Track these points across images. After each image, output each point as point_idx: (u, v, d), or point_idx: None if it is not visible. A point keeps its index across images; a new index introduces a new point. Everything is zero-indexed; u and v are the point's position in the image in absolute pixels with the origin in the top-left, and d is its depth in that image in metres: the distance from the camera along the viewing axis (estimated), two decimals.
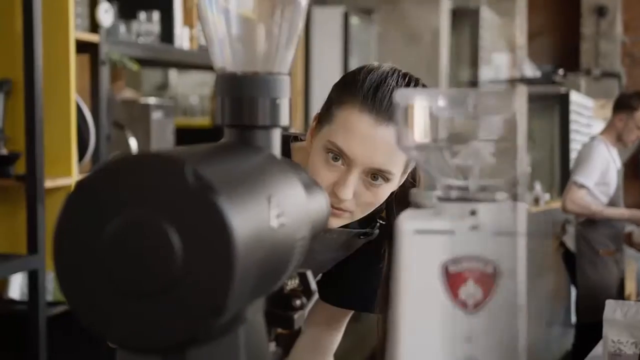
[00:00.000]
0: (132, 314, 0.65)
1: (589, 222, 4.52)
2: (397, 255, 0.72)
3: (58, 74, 2.68)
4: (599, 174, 4.40)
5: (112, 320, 0.65)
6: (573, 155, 7.10)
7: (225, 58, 0.88)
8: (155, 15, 3.28)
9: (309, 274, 0.87)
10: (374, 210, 1.33)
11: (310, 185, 0.92)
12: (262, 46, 0.89)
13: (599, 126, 8.45)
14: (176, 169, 0.66)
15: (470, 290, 0.71)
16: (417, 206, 0.84)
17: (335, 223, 1.31)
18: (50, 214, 2.60)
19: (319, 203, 0.93)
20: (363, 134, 1.24)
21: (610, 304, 2.02)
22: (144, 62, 3.53)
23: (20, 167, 2.61)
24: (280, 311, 0.84)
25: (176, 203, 0.65)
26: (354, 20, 5.48)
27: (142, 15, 3.29)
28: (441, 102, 0.75)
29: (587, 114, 7.67)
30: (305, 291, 0.87)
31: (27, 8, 2.54)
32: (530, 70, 5.81)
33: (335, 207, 1.27)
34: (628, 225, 4.80)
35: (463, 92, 0.76)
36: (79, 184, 0.68)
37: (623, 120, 4.47)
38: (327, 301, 1.47)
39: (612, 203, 4.50)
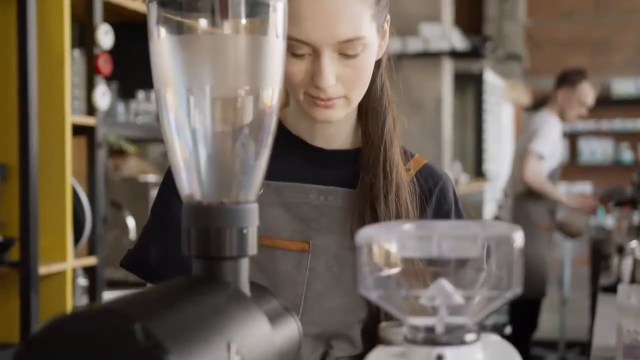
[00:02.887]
0: None
1: (529, 194, 4.52)
2: None
3: (54, 158, 2.68)
4: (551, 147, 4.44)
5: None
6: (487, 135, 7.18)
7: (191, 187, 0.87)
8: (154, 94, 3.30)
9: None
10: None
11: (279, 314, 0.90)
12: (227, 176, 0.87)
13: (507, 107, 8.58)
14: (126, 326, 0.63)
15: None
16: (387, 342, 0.81)
17: (335, 115, 1.20)
18: (44, 301, 2.58)
19: (288, 332, 0.90)
20: (311, 13, 1.12)
21: (623, 288, 1.82)
22: (143, 140, 3.54)
23: (14, 253, 2.59)
24: None
25: None
26: None
27: (141, 94, 3.31)
28: (404, 243, 0.73)
29: (499, 94, 7.79)
30: None
31: (23, 91, 2.55)
32: (459, 41, 5.81)
33: (324, 98, 1.17)
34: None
35: (428, 232, 0.74)
36: (29, 340, 0.65)
37: (565, 96, 4.54)
38: None
39: (550, 179, 4.54)
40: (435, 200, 1.32)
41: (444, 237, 0.74)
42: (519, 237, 0.73)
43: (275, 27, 0.86)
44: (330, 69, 1.14)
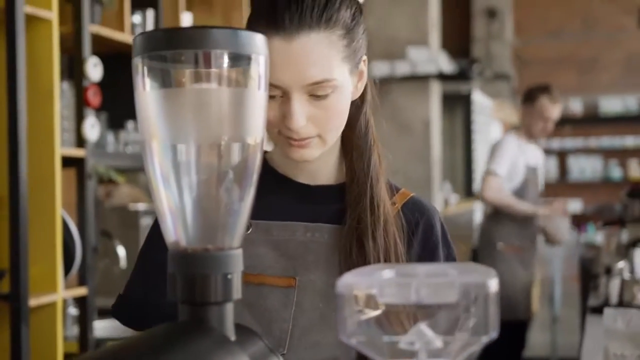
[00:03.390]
0: None
1: (494, 215, 4.54)
2: None
3: (44, 189, 2.70)
4: (509, 165, 4.47)
5: None
6: (476, 155, 7.25)
7: (177, 234, 0.89)
8: None
9: None
10: None
11: (264, 355, 0.92)
12: (212, 222, 0.89)
13: (497, 126, 8.68)
14: None
15: None
16: None
17: (309, 154, 1.22)
18: (35, 332, 2.58)
19: None
20: (280, 57, 1.14)
21: (609, 312, 1.82)
22: (133, 169, 3.56)
23: (4, 286, 2.60)
24: None
25: None
26: None
27: (130, 124, 3.33)
28: (384, 289, 0.76)
29: (487, 114, 7.84)
30: None
31: (13, 123, 2.57)
32: (446, 65, 5.87)
33: (297, 138, 1.19)
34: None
35: (407, 279, 0.76)
36: None
37: (528, 112, 4.59)
38: None
39: (521, 197, 4.56)
40: (421, 233, 1.33)
41: (422, 284, 0.76)
42: (493, 284, 0.75)
43: (258, 79, 0.88)
44: (300, 111, 1.17)
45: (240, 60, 0.87)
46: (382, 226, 1.27)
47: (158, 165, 0.88)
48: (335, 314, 1.25)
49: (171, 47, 0.86)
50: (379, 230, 1.27)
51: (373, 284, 0.76)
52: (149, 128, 0.87)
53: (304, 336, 1.25)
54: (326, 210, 1.31)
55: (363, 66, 1.27)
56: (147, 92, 0.87)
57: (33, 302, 2.61)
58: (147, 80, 0.87)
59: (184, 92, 0.88)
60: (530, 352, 6.20)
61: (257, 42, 0.88)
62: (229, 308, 0.87)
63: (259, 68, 0.89)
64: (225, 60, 0.87)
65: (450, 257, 1.34)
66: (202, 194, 0.89)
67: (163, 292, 1.08)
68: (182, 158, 0.88)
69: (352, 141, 1.31)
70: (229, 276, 0.86)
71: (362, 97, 1.31)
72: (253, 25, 1.18)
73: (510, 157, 4.50)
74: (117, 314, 1.33)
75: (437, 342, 0.77)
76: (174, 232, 0.89)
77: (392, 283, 0.77)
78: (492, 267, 0.79)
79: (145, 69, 0.87)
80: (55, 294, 2.70)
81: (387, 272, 0.79)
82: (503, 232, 4.55)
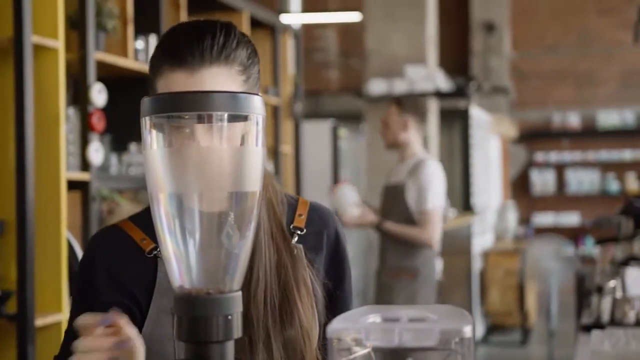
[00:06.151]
0: None
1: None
2: None
3: (50, 213, 2.77)
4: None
5: None
6: (473, 169, 7.31)
7: (181, 278, 0.97)
8: None
9: None
10: None
11: None
12: (214, 267, 0.97)
13: (495, 141, 8.75)
14: None
15: None
16: None
17: None
18: (41, 352, 2.66)
19: None
20: (181, 88, 1.21)
21: (597, 334, 1.86)
22: (136, 189, 3.64)
23: (11, 306, 2.68)
24: None
25: None
26: (342, 132, 5.63)
27: (133, 147, 3.41)
28: (370, 334, 0.84)
29: (485, 128, 7.90)
30: None
31: (20, 149, 2.65)
32: (443, 82, 5.89)
33: None
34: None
35: (390, 324, 0.84)
36: None
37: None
38: None
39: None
40: (327, 239, 1.39)
41: (405, 329, 0.84)
42: (469, 329, 0.83)
43: (255, 136, 0.96)
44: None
45: (238, 119, 0.96)
46: (278, 245, 1.31)
47: (164, 216, 0.96)
48: None
49: (176, 110, 0.95)
50: (272, 249, 1.30)
51: (360, 329, 0.84)
52: (156, 182, 0.96)
53: None
54: None
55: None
56: (154, 149, 0.95)
57: (39, 322, 2.68)
58: (155, 139, 0.95)
59: (188, 150, 0.97)
60: None
61: (254, 103, 0.97)
62: (230, 346, 0.95)
63: (256, 126, 0.97)
64: (225, 120, 0.95)
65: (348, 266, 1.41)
66: (205, 242, 0.97)
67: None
68: (186, 208, 0.96)
69: None
70: (230, 317, 0.94)
71: None
72: (158, 60, 1.25)
73: None
74: None
75: None
76: (179, 277, 0.97)
77: (377, 328, 0.85)
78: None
79: (153, 128, 0.95)
80: (60, 314, 2.78)
81: (372, 317, 0.87)
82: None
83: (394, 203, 4.04)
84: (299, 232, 1.34)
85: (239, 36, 1.26)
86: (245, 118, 0.96)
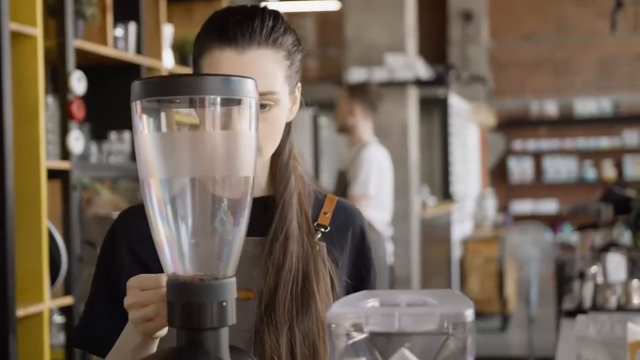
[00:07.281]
0: None
1: None
2: None
3: (30, 202, 2.74)
4: None
5: None
6: (452, 158, 7.36)
7: (174, 265, 0.95)
8: (127, 135, 3.37)
9: None
10: None
11: None
12: (207, 253, 0.96)
13: (474, 129, 8.80)
14: None
15: None
16: None
17: None
18: (22, 342, 2.63)
19: None
20: (231, 67, 1.23)
21: (582, 319, 1.85)
22: (116, 178, 3.61)
23: None
24: None
25: None
26: (323, 121, 5.61)
27: (113, 135, 3.38)
28: (369, 319, 0.82)
29: (464, 117, 7.95)
30: None
31: None
32: (423, 71, 5.93)
33: None
34: None
35: (390, 310, 0.83)
36: None
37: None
38: None
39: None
40: (352, 237, 1.39)
41: (404, 314, 0.83)
42: (470, 313, 0.82)
43: (248, 120, 0.95)
44: None
45: (231, 103, 0.94)
46: (303, 237, 1.31)
47: (156, 201, 0.94)
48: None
49: (168, 93, 0.93)
50: (299, 240, 1.31)
51: (359, 314, 0.83)
52: (147, 167, 0.94)
53: None
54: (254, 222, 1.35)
55: (297, 92, 1.35)
56: (145, 134, 0.93)
57: (20, 312, 2.65)
58: (145, 123, 0.94)
59: (179, 134, 0.95)
60: (508, 352, 6.30)
61: (248, 86, 0.95)
62: (224, 333, 0.94)
63: (249, 110, 0.95)
64: (218, 104, 0.93)
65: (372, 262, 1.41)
66: (198, 228, 0.95)
67: (121, 317, 1.12)
68: (178, 194, 0.94)
69: (277, 162, 1.36)
70: (224, 303, 0.93)
71: (289, 123, 1.36)
72: (205, 38, 1.27)
73: None
74: (79, 345, 1.35)
75: None
76: (172, 264, 0.95)
77: (377, 312, 0.84)
78: None
79: (144, 113, 0.93)
80: (42, 303, 2.75)
81: (372, 302, 0.86)
82: None
83: (340, 188, 4.11)
84: (322, 229, 1.35)
85: (286, 23, 1.29)
86: (238, 102, 0.94)
